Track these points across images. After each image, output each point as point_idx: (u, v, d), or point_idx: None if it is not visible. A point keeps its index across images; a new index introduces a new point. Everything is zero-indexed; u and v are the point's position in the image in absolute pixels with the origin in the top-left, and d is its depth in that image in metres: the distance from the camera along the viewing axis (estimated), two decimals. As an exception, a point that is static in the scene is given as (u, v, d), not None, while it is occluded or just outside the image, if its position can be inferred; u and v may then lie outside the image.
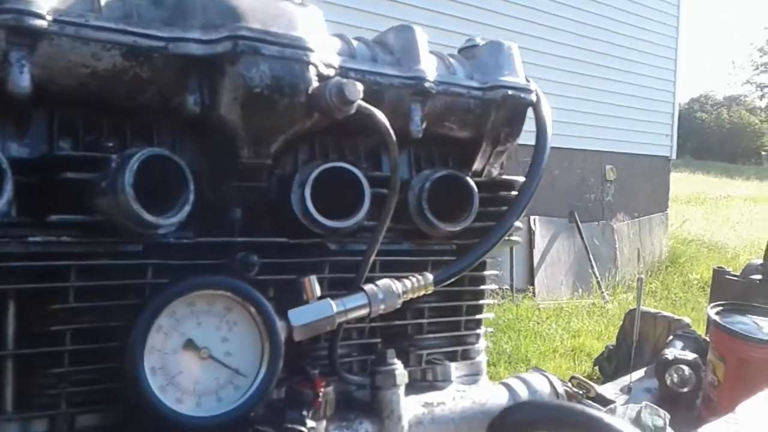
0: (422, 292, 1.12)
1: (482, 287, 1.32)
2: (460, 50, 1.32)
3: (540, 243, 8.19)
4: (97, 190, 0.87)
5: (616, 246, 9.27)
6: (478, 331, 1.33)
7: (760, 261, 3.70)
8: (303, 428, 0.93)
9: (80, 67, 0.86)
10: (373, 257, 1.08)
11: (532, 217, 8.06)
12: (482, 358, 1.34)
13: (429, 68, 1.16)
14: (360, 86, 0.96)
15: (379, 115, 1.01)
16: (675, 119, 10.74)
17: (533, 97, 1.26)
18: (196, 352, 0.89)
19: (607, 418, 0.72)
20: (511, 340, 5.97)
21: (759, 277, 3.54)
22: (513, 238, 1.31)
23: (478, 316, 1.32)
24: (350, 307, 1.03)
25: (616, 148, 9.51)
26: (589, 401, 1.90)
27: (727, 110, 42.37)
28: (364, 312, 1.05)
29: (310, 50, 0.97)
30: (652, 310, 4.55)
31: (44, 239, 0.86)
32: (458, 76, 1.23)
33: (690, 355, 2.86)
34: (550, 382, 1.29)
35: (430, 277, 1.13)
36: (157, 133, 0.97)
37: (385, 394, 1.08)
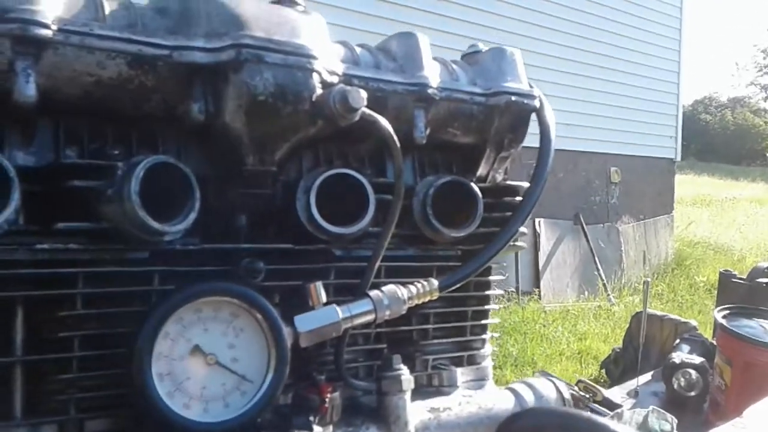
0: (427, 298, 1.13)
1: (487, 292, 1.32)
2: (463, 56, 1.33)
3: (545, 245, 8.18)
4: (104, 197, 0.87)
5: (622, 248, 9.25)
6: (483, 336, 1.33)
7: (766, 264, 3.69)
8: (309, 434, 0.93)
9: (85, 75, 0.87)
10: (378, 263, 1.09)
11: (537, 220, 8.05)
12: (488, 363, 1.34)
13: (432, 74, 1.16)
14: (363, 93, 0.97)
15: (383, 121, 1.01)
16: (679, 121, 10.71)
17: (536, 103, 1.27)
18: (203, 358, 0.90)
19: (613, 425, 0.72)
20: (517, 343, 5.95)
21: (766, 280, 3.52)
22: (518, 243, 1.31)
23: (483, 321, 1.33)
24: (356, 313, 1.04)
25: (621, 151, 9.50)
26: (596, 405, 1.90)
27: (732, 112, 42.25)
28: (369, 318, 1.05)
29: (314, 58, 0.98)
30: (659, 313, 4.53)
31: (51, 246, 0.86)
32: (461, 83, 1.23)
33: (697, 359, 2.85)
34: (557, 387, 1.28)
35: (435, 282, 1.13)
36: (162, 140, 0.98)
37: (391, 400, 1.09)
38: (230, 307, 0.93)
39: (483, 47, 1.31)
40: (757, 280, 3.58)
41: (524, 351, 5.77)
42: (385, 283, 1.09)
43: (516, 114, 1.24)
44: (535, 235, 8.07)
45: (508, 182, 1.33)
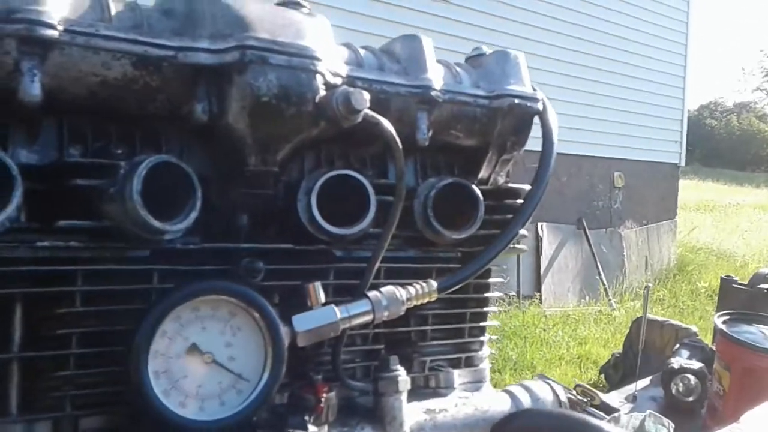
0: (426, 299, 1.13)
1: (487, 295, 1.33)
2: (467, 59, 1.33)
3: (547, 249, 8.17)
4: (106, 196, 0.88)
5: (624, 253, 9.23)
6: (482, 338, 1.34)
7: (768, 270, 3.68)
8: (305, 433, 0.93)
9: (90, 76, 0.88)
10: (377, 264, 1.09)
11: (539, 224, 8.04)
12: (485, 366, 1.35)
13: (435, 77, 1.17)
14: (367, 95, 0.97)
15: (386, 123, 1.02)
16: (684, 126, 10.69)
17: (540, 106, 1.27)
18: (199, 356, 0.91)
19: (608, 427, 0.72)
20: (517, 347, 5.95)
21: (767, 286, 3.52)
22: (518, 246, 1.32)
23: (482, 324, 1.33)
24: (354, 313, 1.04)
25: (625, 155, 9.49)
26: (594, 409, 1.90)
27: (737, 117, 42.16)
28: (367, 318, 1.06)
29: (318, 59, 0.99)
30: (660, 319, 4.52)
31: (52, 244, 0.87)
32: (464, 85, 1.24)
33: (696, 364, 2.84)
34: (553, 390, 1.29)
35: (434, 284, 1.13)
36: (166, 140, 0.99)
37: (387, 401, 1.09)
38: (228, 305, 0.93)
39: (487, 50, 1.32)
40: (758, 286, 3.57)
41: (524, 355, 5.77)
42: (385, 285, 1.10)
43: (519, 117, 1.25)
44: (538, 239, 8.07)
45: (510, 185, 1.33)
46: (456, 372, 1.26)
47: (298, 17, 1.01)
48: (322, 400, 1.00)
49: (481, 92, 1.23)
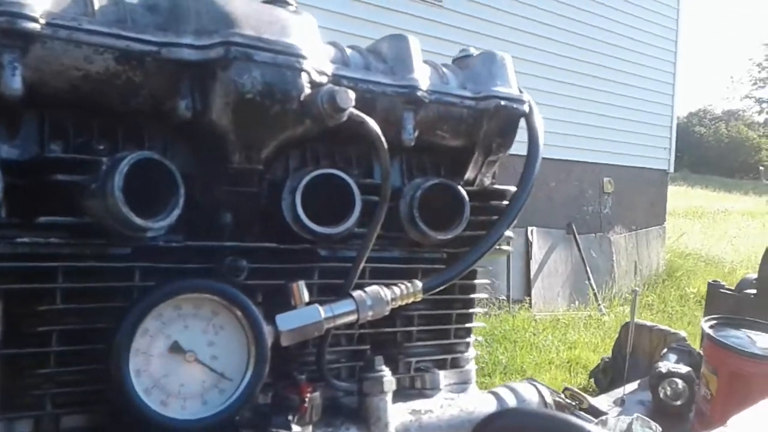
0: (411, 300, 1.12)
1: (472, 296, 1.32)
2: (454, 60, 1.33)
3: (537, 254, 8.19)
4: (87, 192, 0.87)
5: (613, 258, 9.27)
6: (467, 339, 1.33)
7: (755, 275, 3.70)
8: (287, 433, 0.93)
9: (73, 70, 0.87)
10: (362, 264, 1.08)
11: (529, 228, 8.07)
12: (471, 367, 1.34)
13: (422, 77, 1.17)
14: (352, 94, 0.97)
15: (371, 122, 1.01)
16: (673, 133, 10.78)
17: (526, 108, 1.27)
18: (181, 355, 0.90)
19: (589, 426, 0.72)
20: (507, 351, 5.96)
21: (754, 291, 3.53)
22: (504, 247, 1.32)
23: (467, 325, 1.32)
24: (338, 313, 1.04)
25: (615, 161, 9.54)
26: (581, 413, 1.90)
27: (726, 125, 42.48)
28: (352, 318, 1.05)
29: (303, 57, 0.98)
30: (648, 323, 4.55)
31: (32, 240, 0.86)
32: (451, 86, 1.23)
33: (683, 369, 2.85)
34: (539, 392, 1.29)
35: (419, 284, 1.13)
36: (149, 136, 0.98)
37: (372, 401, 1.09)
38: (211, 304, 0.92)
39: (474, 51, 1.32)
40: (745, 291, 3.59)
41: (514, 359, 5.78)
42: (370, 285, 1.09)
43: (505, 118, 1.24)
44: (528, 244, 8.09)
45: (496, 186, 1.33)
46: (442, 373, 1.25)
47: (283, 15, 1.01)
48: (306, 400, 0.99)
49: (467, 93, 1.23)
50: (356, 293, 1.06)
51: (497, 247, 1.25)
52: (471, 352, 1.34)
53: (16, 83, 0.82)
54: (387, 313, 1.09)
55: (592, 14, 8.94)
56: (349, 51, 1.17)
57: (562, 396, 1.70)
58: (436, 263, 1.24)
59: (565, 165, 8.43)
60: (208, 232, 1.01)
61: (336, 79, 1.06)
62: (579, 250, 8.63)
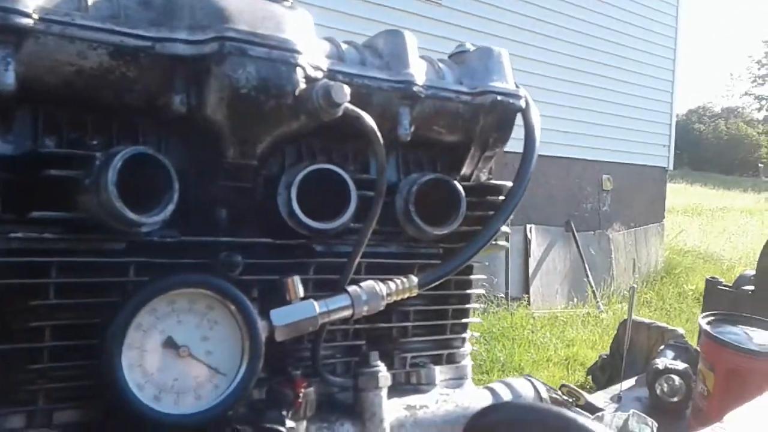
0: (407, 295, 1.12)
1: (468, 291, 1.32)
2: (451, 56, 1.33)
3: (536, 251, 8.19)
4: (81, 187, 0.87)
5: (612, 256, 9.28)
6: (463, 335, 1.33)
7: (753, 272, 3.70)
8: (282, 428, 0.93)
9: (66, 65, 0.87)
10: (358, 259, 1.08)
11: (528, 226, 8.07)
12: (467, 362, 1.34)
13: (418, 72, 1.16)
14: (347, 89, 0.96)
15: (367, 118, 1.01)
16: (673, 130, 10.77)
17: (522, 103, 1.27)
18: (175, 350, 0.89)
19: (583, 419, 0.72)
20: (505, 349, 5.97)
21: (751, 288, 3.53)
22: (500, 242, 1.31)
23: (463, 320, 1.32)
24: (333, 308, 1.03)
25: (614, 158, 9.54)
26: (578, 409, 1.90)
27: (725, 122, 42.51)
28: (347, 313, 1.05)
29: (298, 52, 0.98)
30: (646, 321, 4.55)
31: (26, 235, 0.86)
32: (447, 81, 1.23)
33: (681, 365, 2.85)
34: (534, 387, 1.29)
35: (414, 279, 1.13)
36: (143, 132, 0.98)
37: (367, 396, 1.09)
38: (205, 299, 0.92)
39: (470, 47, 1.31)
40: (743, 287, 3.59)
41: (512, 357, 5.78)
42: (366, 280, 1.09)
43: (501, 113, 1.24)
44: (526, 241, 8.09)
45: (492, 181, 1.33)
46: (437, 369, 1.25)
47: (278, 10, 1.00)
48: (301, 395, 0.99)
49: (463, 88, 1.23)
50: (351, 288, 1.06)
51: (493, 242, 1.25)
52: (467, 348, 1.34)
53: (9, 78, 0.82)
54: (382, 309, 1.09)
55: (591, 11, 8.94)
56: (344, 46, 1.16)
57: (559, 392, 1.70)
58: (432, 258, 1.24)
59: (564, 162, 8.42)
60: (203, 227, 1.01)
61: (331, 74, 1.05)
62: (578, 247, 8.63)
